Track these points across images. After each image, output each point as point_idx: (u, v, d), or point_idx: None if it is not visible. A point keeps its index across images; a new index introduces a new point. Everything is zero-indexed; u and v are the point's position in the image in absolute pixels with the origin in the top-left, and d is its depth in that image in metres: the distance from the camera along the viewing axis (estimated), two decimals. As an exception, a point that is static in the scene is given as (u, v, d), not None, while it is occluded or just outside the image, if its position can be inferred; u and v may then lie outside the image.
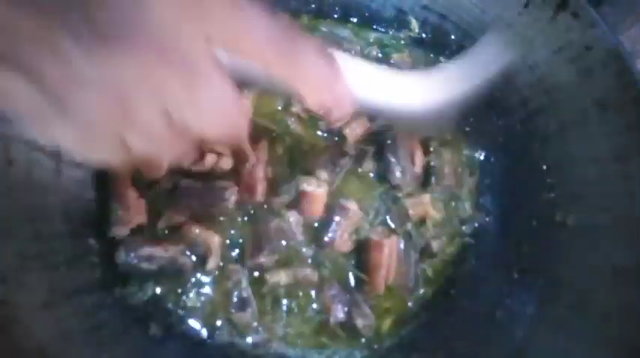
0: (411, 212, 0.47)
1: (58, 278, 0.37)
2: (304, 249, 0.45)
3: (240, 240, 0.45)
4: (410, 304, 0.46)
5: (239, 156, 0.45)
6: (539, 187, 0.45)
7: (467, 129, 0.53)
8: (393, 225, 0.47)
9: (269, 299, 0.43)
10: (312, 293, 0.44)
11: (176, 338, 0.42)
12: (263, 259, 0.43)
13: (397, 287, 0.45)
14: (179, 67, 0.20)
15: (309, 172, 0.47)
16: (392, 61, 0.54)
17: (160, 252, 0.41)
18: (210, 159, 0.44)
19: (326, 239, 0.44)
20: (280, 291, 0.43)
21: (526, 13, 0.44)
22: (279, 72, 0.24)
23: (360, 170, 0.49)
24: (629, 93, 0.38)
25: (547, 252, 0.43)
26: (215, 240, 0.43)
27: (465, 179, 0.50)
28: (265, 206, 0.46)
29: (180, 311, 0.43)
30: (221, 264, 0.43)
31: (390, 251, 0.44)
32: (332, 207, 0.45)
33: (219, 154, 0.45)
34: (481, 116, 0.52)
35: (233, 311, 0.42)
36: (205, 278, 0.43)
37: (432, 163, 0.49)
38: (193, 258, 0.43)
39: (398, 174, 0.46)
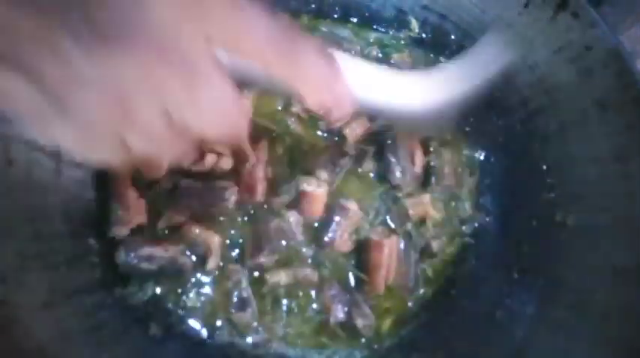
0: (411, 212, 0.47)
1: (58, 278, 0.37)
2: (304, 249, 0.45)
3: (240, 240, 0.45)
4: (410, 304, 0.46)
5: (239, 156, 0.45)
6: (539, 187, 0.45)
7: (467, 129, 0.53)
8: (393, 225, 0.47)
9: (269, 299, 0.43)
10: (312, 293, 0.44)
11: (176, 338, 0.42)
12: (263, 259, 0.43)
13: (397, 287, 0.45)
14: (179, 67, 0.20)
15: (309, 172, 0.47)
16: (392, 61, 0.54)
17: (160, 252, 0.41)
18: (210, 160, 0.44)
19: (326, 239, 0.44)
20: (280, 291, 0.43)
21: (526, 13, 0.44)
22: (279, 72, 0.24)
23: (360, 170, 0.49)
24: (629, 93, 0.38)
25: (547, 252, 0.43)
26: (215, 240, 0.43)
27: (465, 179, 0.50)
28: (265, 206, 0.46)
29: (181, 311, 0.43)
30: (221, 264, 0.43)
31: (390, 251, 0.44)
32: (332, 207, 0.45)
33: (219, 154, 0.45)
34: (481, 116, 0.52)
35: (233, 311, 0.42)
36: (205, 278, 0.43)
37: (432, 163, 0.49)
38: (193, 258, 0.43)
39: (398, 174, 0.46)
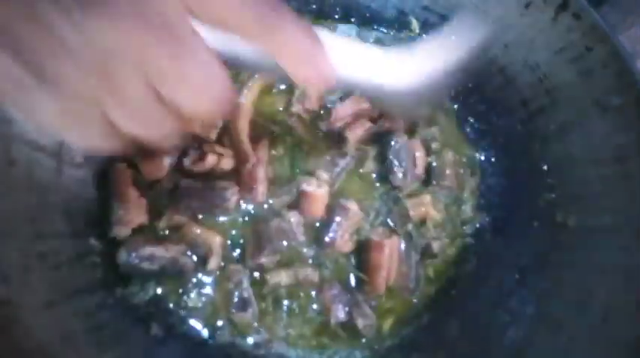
0: (411, 212, 0.47)
1: (59, 278, 0.37)
2: (305, 250, 0.45)
3: (241, 241, 0.45)
4: (411, 304, 0.46)
5: (240, 157, 0.46)
6: (540, 188, 0.45)
7: (467, 129, 0.53)
8: (393, 226, 0.47)
9: (270, 299, 0.43)
10: (313, 293, 0.44)
11: (177, 339, 0.42)
12: (264, 259, 0.43)
13: (398, 287, 0.45)
14: (161, 34, 0.20)
15: (310, 173, 0.47)
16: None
17: (161, 252, 0.41)
18: (211, 160, 0.44)
19: (327, 239, 0.44)
20: (281, 292, 0.43)
21: (527, 14, 0.44)
22: (258, 41, 0.23)
23: (361, 170, 0.49)
24: (630, 93, 0.38)
25: (547, 253, 0.43)
26: (216, 240, 0.43)
27: (465, 180, 0.51)
28: (266, 206, 0.46)
29: (182, 312, 0.43)
30: (222, 264, 0.44)
31: (390, 251, 0.44)
32: (333, 208, 0.45)
33: (220, 155, 0.45)
34: (482, 116, 0.52)
35: (234, 311, 0.42)
36: (206, 279, 0.44)
37: (433, 164, 0.49)
38: (194, 258, 0.43)
39: (399, 174, 0.46)
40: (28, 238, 0.36)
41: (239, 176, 0.45)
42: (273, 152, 0.48)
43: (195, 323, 0.43)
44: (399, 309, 0.46)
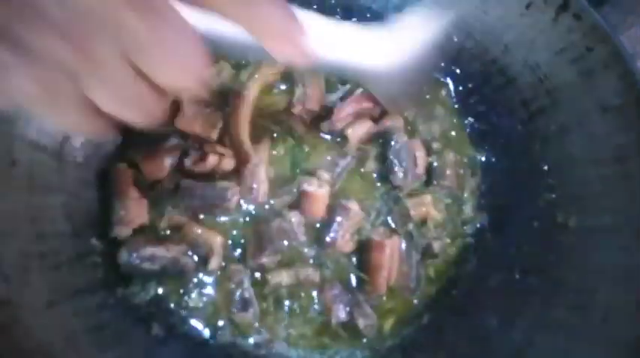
0: (412, 212, 0.47)
1: (61, 278, 0.37)
2: (306, 250, 0.45)
3: (242, 241, 0.45)
4: (411, 304, 0.46)
5: (241, 157, 0.46)
6: (540, 188, 0.45)
7: (468, 130, 0.53)
8: (394, 226, 0.47)
9: (271, 299, 0.43)
10: (314, 293, 0.44)
11: (178, 339, 0.42)
12: (265, 259, 0.43)
13: (399, 287, 0.45)
14: (137, 3, 0.20)
15: (311, 173, 0.47)
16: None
17: (162, 252, 0.41)
18: (212, 160, 0.44)
19: (328, 239, 0.44)
20: (282, 292, 0.43)
21: (528, 15, 0.44)
22: (234, 18, 0.23)
23: (362, 170, 0.49)
24: (630, 94, 0.38)
25: (548, 253, 0.43)
26: (217, 240, 0.43)
27: (466, 180, 0.51)
28: (267, 206, 0.46)
29: (183, 312, 0.43)
30: (223, 264, 0.44)
31: (391, 251, 0.44)
32: (333, 208, 0.45)
33: (221, 155, 0.45)
34: (482, 117, 0.52)
35: (235, 311, 0.42)
36: (207, 279, 0.44)
37: (434, 164, 0.49)
38: (195, 258, 0.43)
39: (400, 174, 0.46)
40: (29, 238, 0.36)
41: (240, 176, 0.45)
42: (274, 152, 0.48)
43: (196, 323, 0.43)
44: (400, 309, 0.46)
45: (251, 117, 0.48)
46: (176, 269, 0.42)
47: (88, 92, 0.21)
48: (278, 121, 0.49)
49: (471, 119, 0.53)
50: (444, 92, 0.54)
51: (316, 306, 0.44)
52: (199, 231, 0.43)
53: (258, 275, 0.44)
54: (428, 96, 0.53)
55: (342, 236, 0.44)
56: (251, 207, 0.46)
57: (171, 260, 0.41)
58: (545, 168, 0.46)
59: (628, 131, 0.38)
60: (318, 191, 0.45)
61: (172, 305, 0.43)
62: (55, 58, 0.20)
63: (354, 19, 0.55)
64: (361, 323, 0.42)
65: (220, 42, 0.26)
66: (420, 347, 0.44)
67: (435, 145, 0.50)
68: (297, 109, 0.48)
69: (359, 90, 0.49)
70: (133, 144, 0.45)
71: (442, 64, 0.54)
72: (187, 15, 0.22)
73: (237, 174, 0.45)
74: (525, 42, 0.46)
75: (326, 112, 0.49)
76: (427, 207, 0.47)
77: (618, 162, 0.39)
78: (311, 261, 0.45)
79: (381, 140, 0.49)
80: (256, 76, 0.49)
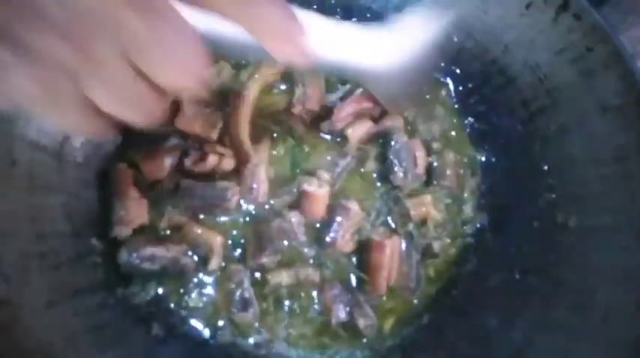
0: (412, 212, 0.47)
1: (61, 278, 0.37)
2: (306, 250, 0.45)
3: (242, 241, 0.45)
4: (412, 304, 0.46)
5: (241, 157, 0.46)
6: (541, 188, 0.45)
7: (468, 130, 0.53)
8: (394, 226, 0.47)
9: (271, 299, 0.43)
10: (314, 293, 0.44)
11: (178, 339, 0.42)
12: (265, 259, 0.43)
13: (399, 287, 0.45)
14: (136, 2, 0.20)
15: (311, 173, 0.47)
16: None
17: (162, 253, 0.41)
18: (212, 160, 0.44)
19: (328, 239, 0.44)
20: (282, 292, 0.43)
21: (528, 15, 0.44)
22: (234, 18, 0.23)
23: (362, 170, 0.49)
24: (630, 94, 0.38)
25: (548, 253, 0.43)
26: (217, 240, 0.43)
27: (466, 180, 0.51)
28: (267, 206, 0.46)
29: (183, 312, 0.43)
30: (223, 264, 0.44)
31: (391, 251, 0.44)
32: (333, 208, 0.45)
33: (221, 155, 0.45)
34: (482, 117, 0.52)
35: (235, 311, 0.42)
36: (207, 279, 0.44)
37: (434, 164, 0.49)
38: (195, 258, 0.43)
39: (400, 174, 0.46)
40: (29, 238, 0.36)
41: (240, 176, 0.45)
42: (274, 152, 0.48)
43: (196, 323, 0.43)
44: (400, 309, 0.46)
45: (251, 117, 0.48)
46: (176, 269, 0.42)
47: (88, 92, 0.21)
48: (278, 121, 0.49)
49: (471, 119, 0.53)
50: (444, 92, 0.54)
51: (316, 306, 0.44)
52: (199, 231, 0.43)
53: (258, 275, 0.44)
54: (428, 96, 0.53)
55: (342, 236, 0.44)
56: (251, 207, 0.46)
57: (172, 260, 0.41)
58: (545, 168, 0.46)
59: (628, 131, 0.38)
60: (318, 191, 0.45)
61: (172, 305, 0.43)
62: (55, 57, 0.20)
63: (354, 19, 0.55)
64: (361, 323, 0.42)
65: (220, 42, 0.26)
66: (420, 347, 0.44)
67: (435, 145, 0.50)
68: (297, 109, 0.48)
69: (359, 91, 0.49)
70: (133, 144, 0.45)
71: (442, 64, 0.54)
72: (187, 15, 0.22)
73: (237, 174, 0.45)
74: (525, 42, 0.46)
75: (326, 112, 0.49)
76: (427, 207, 0.47)
77: (618, 162, 0.39)
78: (311, 261, 0.45)
79: (381, 140, 0.49)
80: (256, 76, 0.49)
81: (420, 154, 0.48)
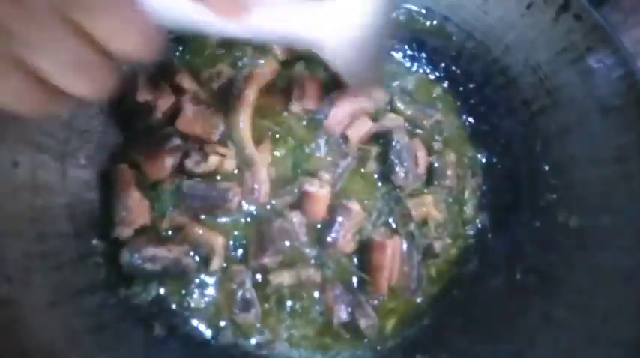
0: (413, 213, 0.47)
1: (63, 278, 0.37)
2: (307, 250, 0.45)
3: (244, 241, 0.45)
4: (413, 305, 0.46)
5: (245, 162, 0.46)
6: (541, 188, 0.45)
7: (469, 130, 0.53)
8: (395, 226, 0.47)
9: (273, 300, 0.43)
10: (316, 294, 0.44)
11: (180, 339, 0.42)
12: (266, 260, 0.43)
13: (400, 287, 0.45)
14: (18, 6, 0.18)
15: (312, 173, 0.47)
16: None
17: (164, 253, 0.41)
18: (213, 161, 0.44)
19: (329, 239, 0.44)
20: (284, 292, 0.44)
21: (528, 15, 0.44)
22: None
23: (363, 170, 0.49)
24: (630, 94, 0.38)
25: (549, 253, 0.43)
26: (218, 240, 0.43)
27: (467, 180, 0.51)
28: (268, 207, 0.46)
29: (184, 312, 0.43)
30: (224, 265, 0.44)
31: (392, 252, 0.44)
32: (335, 208, 0.45)
33: (222, 155, 0.45)
34: (483, 117, 0.52)
35: (237, 311, 0.42)
36: (209, 279, 0.44)
37: (435, 164, 0.49)
38: (197, 258, 0.43)
39: (401, 174, 0.46)
40: (31, 238, 0.36)
41: (241, 177, 0.45)
42: (275, 153, 0.48)
43: (197, 324, 0.43)
44: (402, 309, 0.46)
45: (251, 119, 0.48)
46: (178, 269, 0.42)
47: (29, 58, 0.20)
48: (278, 122, 0.49)
49: (471, 119, 0.53)
50: (444, 92, 0.54)
51: (318, 307, 0.44)
52: (201, 231, 0.43)
53: (259, 275, 0.44)
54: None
55: (344, 236, 0.44)
56: (252, 208, 0.46)
57: (173, 260, 0.41)
58: (546, 168, 0.46)
59: (628, 131, 0.38)
60: (320, 191, 0.45)
61: (174, 305, 0.43)
62: None
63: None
64: (363, 323, 0.42)
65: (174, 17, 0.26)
66: (421, 348, 0.44)
67: (436, 145, 0.50)
68: (295, 108, 0.48)
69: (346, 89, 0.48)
70: (134, 145, 0.45)
71: (443, 64, 0.54)
72: None
73: (238, 174, 0.45)
74: (526, 42, 0.46)
75: (324, 112, 0.49)
76: (428, 207, 0.47)
77: (618, 162, 0.39)
78: (312, 262, 0.45)
79: (381, 140, 0.49)
80: (254, 76, 0.49)
81: (421, 154, 0.48)
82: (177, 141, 0.45)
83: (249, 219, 0.46)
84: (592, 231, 0.40)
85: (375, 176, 0.49)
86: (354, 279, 0.45)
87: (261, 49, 0.50)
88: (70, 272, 0.38)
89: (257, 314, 0.42)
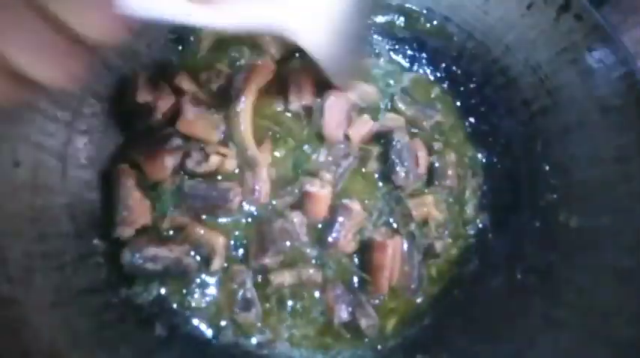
0: (414, 213, 0.47)
1: (64, 278, 0.37)
2: (308, 250, 0.45)
3: (245, 241, 0.45)
4: (413, 305, 0.46)
5: (248, 163, 0.45)
6: (542, 188, 0.45)
7: (469, 130, 0.53)
8: (396, 226, 0.47)
9: (273, 299, 0.43)
10: (316, 294, 0.44)
11: (181, 339, 0.42)
12: (267, 260, 0.43)
13: (401, 287, 0.45)
14: None
15: (313, 173, 0.47)
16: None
17: (165, 253, 0.41)
18: (214, 161, 0.44)
19: (330, 239, 0.44)
20: (285, 292, 0.44)
21: (529, 15, 0.44)
22: None
23: (363, 170, 0.49)
24: (630, 94, 0.38)
25: (549, 253, 0.43)
26: (219, 240, 0.43)
27: (468, 180, 0.51)
28: (269, 207, 0.46)
29: (185, 312, 0.43)
30: (225, 264, 0.44)
31: (393, 252, 0.44)
32: (335, 208, 0.45)
33: (223, 156, 0.45)
34: (483, 117, 0.52)
35: (238, 311, 0.42)
36: (210, 279, 0.44)
37: (436, 164, 0.49)
38: (198, 258, 0.43)
39: (402, 174, 0.46)
40: (33, 239, 0.36)
41: (242, 177, 0.45)
42: (276, 153, 0.48)
43: (198, 324, 0.43)
44: (402, 309, 0.46)
45: (251, 121, 0.48)
46: (179, 269, 0.42)
47: None
48: (278, 122, 0.49)
49: (472, 119, 0.53)
50: (444, 92, 0.54)
51: (318, 307, 0.44)
52: (202, 231, 0.43)
53: (260, 275, 0.44)
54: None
55: (344, 236, 0.44)
56: (253, 208, 0.46)
57: (174, 260, 0.41)
58: (546, 168, 0.46)
59: (628, 131, 0.39)
60: (320, 191, 0.45)
61: (175, 305, 0.43)
62: None
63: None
64: (363, 323, 0.42)
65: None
66: (421, 348, 0.44)
67: (437, 145, 0.50)
68: (294, 106, 0.48)
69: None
70: (134, 145, 0.45)
71: (443, 65, 0.54)
72: None
73: (239, 174, 0.45)
74: (526, 42, 0.46)
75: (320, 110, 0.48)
76: (429, 207, 0.47)
77: (618, 162, 0.39)
78: (313, 262, 0.45)
79: (382, 140, 0.49)
80: (252, 77, 0.48)
81: (422, 154, 0.48)
82: (177, 141, 0.45)
83: (250, 219, 0.46)
84: (592, 231, 0.40)
85: (376, 176, 0.49)
86: (355, 279, 0.46)
87: (257, 49, 0.50)
88: (70, 272, 0.38)
89: (258, 314, 0.42)
